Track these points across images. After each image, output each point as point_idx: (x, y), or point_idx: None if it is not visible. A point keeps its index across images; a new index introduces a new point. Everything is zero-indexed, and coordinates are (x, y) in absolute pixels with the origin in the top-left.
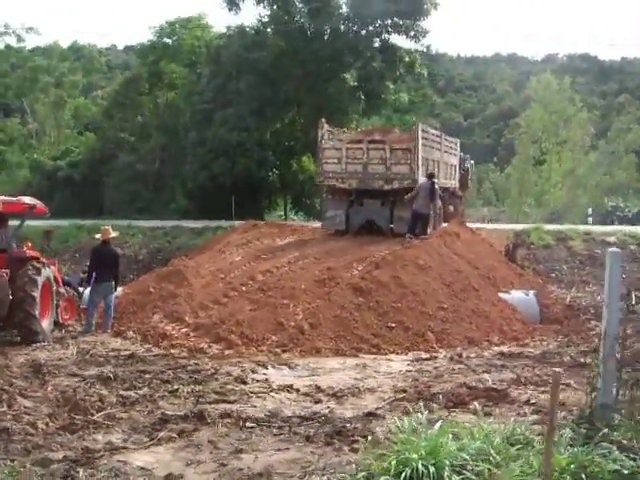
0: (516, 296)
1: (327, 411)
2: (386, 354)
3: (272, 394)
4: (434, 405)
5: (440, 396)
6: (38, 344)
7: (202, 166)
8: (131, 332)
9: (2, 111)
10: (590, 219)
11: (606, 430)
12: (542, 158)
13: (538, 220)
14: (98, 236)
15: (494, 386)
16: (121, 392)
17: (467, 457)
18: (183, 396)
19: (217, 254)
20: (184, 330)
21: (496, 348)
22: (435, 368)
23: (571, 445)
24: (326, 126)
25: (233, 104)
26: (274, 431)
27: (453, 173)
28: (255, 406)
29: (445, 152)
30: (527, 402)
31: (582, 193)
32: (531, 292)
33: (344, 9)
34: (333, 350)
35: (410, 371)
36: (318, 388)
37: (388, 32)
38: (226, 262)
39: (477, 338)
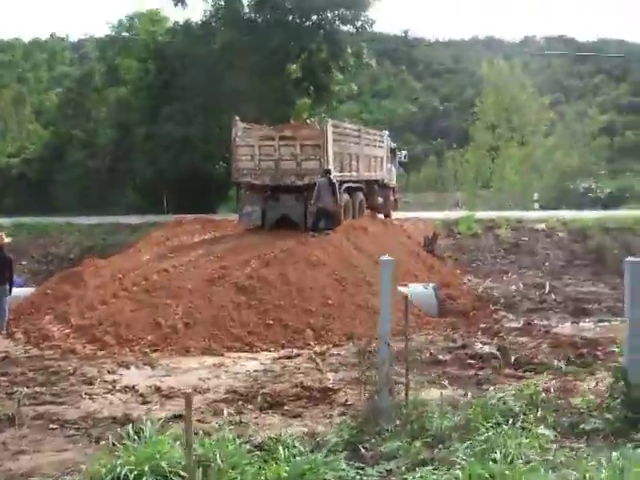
0: (414, 290)
1: (143, 413)
2: (258, 352)
3: (108, 395)
4: (250, 406)
5: (259, 397)
6: None
7: (150, 161)
8: (19, 333)
9: None
10: (536, 205)
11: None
12: (496, 144)
13: (495, 206)
14: None
15: (330, 386)
16: None
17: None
18: (18, 398)
19: (133, 253)
20: (67, 331)
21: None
22: (284, 367)
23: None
24: (239, 124)
25: (178, 99)
26: (71, 432)
27: (379, 165)
28: (79, 407)
29: (367, 145)
30: (344, 403)
31: (538, 178)
32: (430, 285)
33: (289, 1)
34: (203, 349)
35: (258, 371)
36: (158, 389)
37: (332, 23)
38: (133, 261)
39: (359, 334)
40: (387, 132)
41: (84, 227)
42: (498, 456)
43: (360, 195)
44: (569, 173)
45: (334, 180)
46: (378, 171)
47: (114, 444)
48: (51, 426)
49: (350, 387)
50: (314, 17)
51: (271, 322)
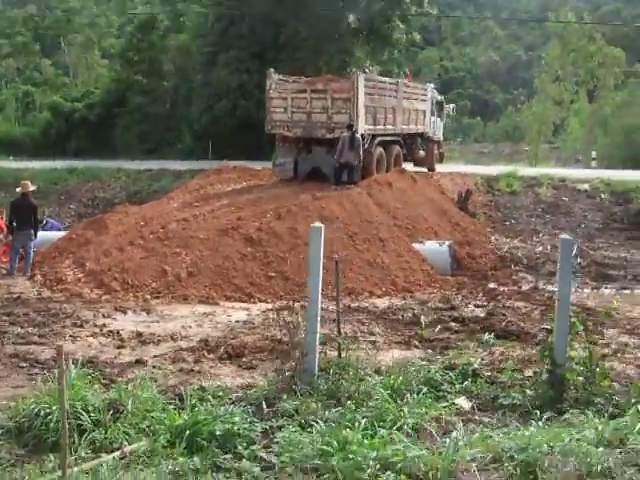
0: (429, 247)
1: (112, 356)
2: (255, 303)
3: (90, 338)
4: (210, 356)
5: (222, 347)
6: None
7: (206, 108)
8: (39, 276)
9: (41, 52)
10: (594, 162)
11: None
12: (561, 98)
13: (557, 162)
14: (18, 189)
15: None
16: None
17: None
18: (7, 336)
19: (165, 200)
20: (79, 276)
21: (371, 300)
22: (265, 319)
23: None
24: (274, 75)
25: (235, 47)
26: (35, 371)
27: (421, 118)
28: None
29: (406, 98)
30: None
31: (603, 134)
32: (446, 243)
33: None
34: (202, 298)
35: (240, 321)
36: (139, 334)
37: None
38: (160, 209)
39: (359, 289)
40: (432, 85)
41: (133, 172)
42: (386, 423)
43: (397, 148)
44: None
45: (358, 135)
46: (420, 124)
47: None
48: (21, 364)
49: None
50: None
51: (273, 274)
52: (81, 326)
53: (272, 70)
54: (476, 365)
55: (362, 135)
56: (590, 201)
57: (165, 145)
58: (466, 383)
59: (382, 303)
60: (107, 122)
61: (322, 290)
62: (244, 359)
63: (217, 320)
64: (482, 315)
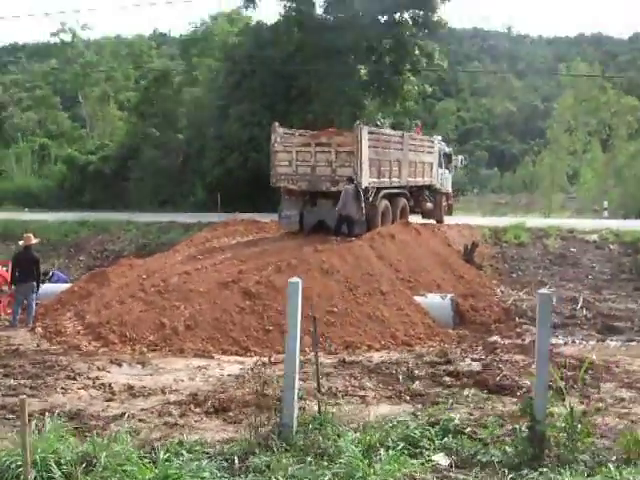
0: (431, 300)
1: (100, 409)
2: (251, 356)
3: (81, 391)
4: (197, 410)
5: (210, 401)
6: None
7: (219, 161)
8: (39, 328)
9: (60, 105)
10: (605, 213)
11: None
12: (574, 148)
13: (573, 212)
14: (21, 243)
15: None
16: None
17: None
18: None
19: (171, 253)
20: (79, 328)
21: (369, 354)
22: (258, 373)
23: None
24: (279, 129)
25: (247, 100)
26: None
27: (428, 170)
28: (46, 401)
29: (412, 151)
30: None
31: (617, 184)
32: (448, 296)
33: (359, 2)
34: (198, 351)
35: (232, 375)
36: (130, 387)
37: (402, 25)
38: (164, 263)
39: (357, 342)
40: (439, 137)
41: (142, 225)
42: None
43: (403, 201)
44: None
45: (360, 188)
46: (427, 177)
47: None
48: (8, 416)
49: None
50: (384, 18)
51: (271, 327)
52: (74, 378)
53: (277, 124)
54: (457, 421)
55: (366, 188)
56: (599, 252)
57: (178, 197)
58: (446, 439)
59: (380, 357)
60: (121, 175)
61: (320, 344)
62: (230, 413)
63: (210, 374)
64: (478, 369)
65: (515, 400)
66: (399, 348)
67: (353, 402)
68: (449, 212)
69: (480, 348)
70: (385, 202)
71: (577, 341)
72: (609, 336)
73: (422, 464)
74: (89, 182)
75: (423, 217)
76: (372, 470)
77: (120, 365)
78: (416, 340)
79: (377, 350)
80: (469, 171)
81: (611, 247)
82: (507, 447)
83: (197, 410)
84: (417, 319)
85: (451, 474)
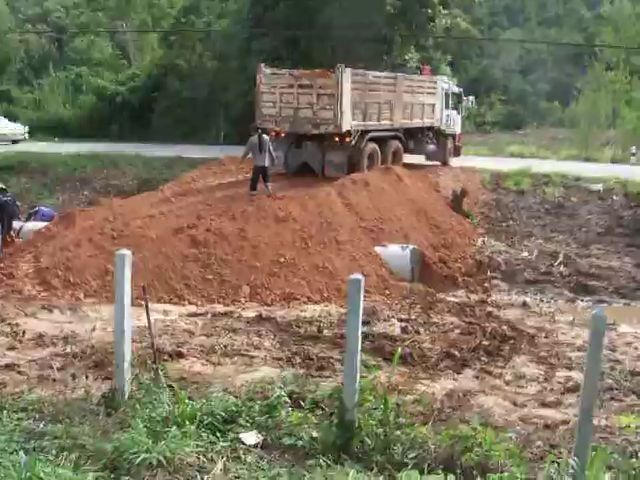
0: (390, 250)
1: None
2: (184, 305)
3: None
4: (79, 364)
5: (94, 356)
6: None
7: (242, 94)
8: None
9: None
10: (633, 158)
11: None
12: (613, 87)
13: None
14: None
15: (179, 349)
16: None
17: None
18: None
19: (153, 193)
20: (30, 271)
21: (304, 307)
22: (167, 326)
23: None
24: (264, 69)
25: (270, 34)
26: None
27: (429, 112)
28: None
29: (407, 93)
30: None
31: None
32: (409, 247)
33: None
34: (132, 299)
35: (140, 327)
36: (41, 336)
37: None
38: (138, 204)
39: (297, 294)
40: (444, 77)
41: (149, 159)
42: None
43: (395, 143)
44: None
45: (265, 138)
46: (427, 118)
47: None
48: None
49: (198, 355)
50: None
51: (210, 277)
52: None
53: (263, 64)
54: (284, 394)
55: (348, 131)
56: (600, 202)
57: (201, 130)
58: (269, 416)
59: (313, 310)
60: (147, 106)
61: (259, 295)
62: (109, 369)
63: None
64: (395, 333)
65: (409, 371)
66: (340, 301)
67: (238, 362)
68: (457, 154)
69: (418, 306)
70: (373, 145)
71: (545, 300)
72: (581, 296)
73: (230, 441)
74: (117, 113)
75: (427, 159)
76: (154, 446)
77: (51, 311)
78: (364, 293)
79: (315, 303)
80: (528, 105)
81: (614, 198)
82: (313, 432)
83: (78, 364)
84: (371, 270)
85: (248, 457)
